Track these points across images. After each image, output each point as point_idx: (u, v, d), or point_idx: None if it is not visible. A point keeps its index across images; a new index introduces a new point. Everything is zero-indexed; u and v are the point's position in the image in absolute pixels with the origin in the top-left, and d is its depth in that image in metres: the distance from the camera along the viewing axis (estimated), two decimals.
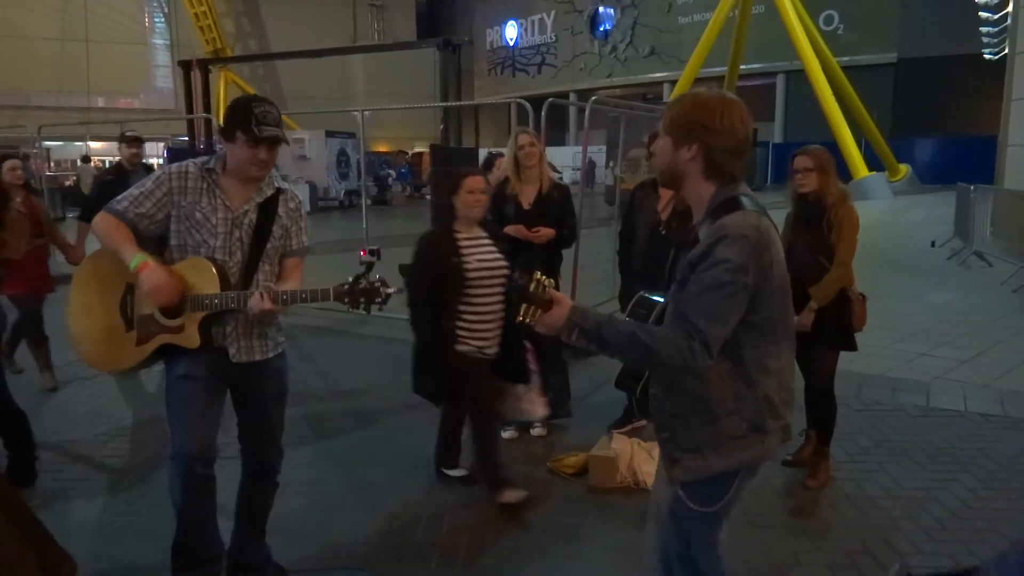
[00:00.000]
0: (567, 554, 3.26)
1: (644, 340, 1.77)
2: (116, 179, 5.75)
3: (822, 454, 3.93)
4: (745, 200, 1.84)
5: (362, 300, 2.45)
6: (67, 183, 24.69)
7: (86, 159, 24.69)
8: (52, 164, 29.39)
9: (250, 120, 2.51)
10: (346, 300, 2.45)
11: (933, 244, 12.44)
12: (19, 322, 5.51)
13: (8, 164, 5.44)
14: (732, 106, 1.84)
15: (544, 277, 1.85)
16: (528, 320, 1.85)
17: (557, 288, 2.39)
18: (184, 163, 2.65)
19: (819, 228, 3.73)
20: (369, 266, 2.52)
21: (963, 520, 3.52)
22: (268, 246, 2.66)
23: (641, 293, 2.19)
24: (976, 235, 11.31)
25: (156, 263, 2.50)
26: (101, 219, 2.58)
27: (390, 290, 2.46)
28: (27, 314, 5.48)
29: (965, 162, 23.45)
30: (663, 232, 4.04)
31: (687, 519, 1.98)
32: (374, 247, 2.67)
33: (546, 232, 4.32)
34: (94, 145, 32.09)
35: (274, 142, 2.57)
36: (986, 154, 24.15)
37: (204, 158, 2.69)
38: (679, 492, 1.95)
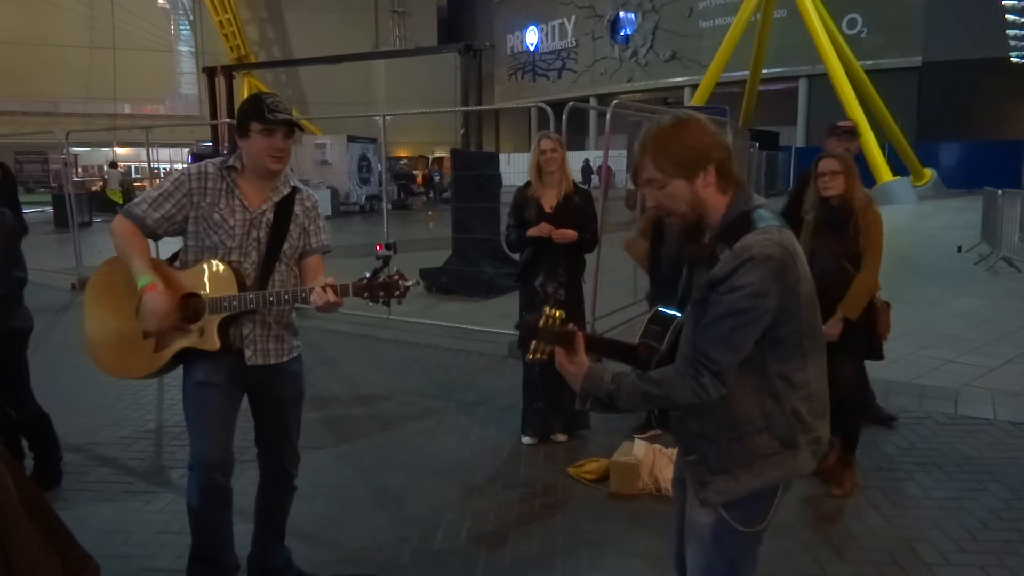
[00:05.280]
0: (589, 561, 3.22)
1: (656, 394, 1.78)
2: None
3: (847, 462, 3.86)
4: (764, 212, 1.79)
5: (381, 294, 2.43)
6: (93, 188, 25.18)
7: (113, 164, 25.11)
8: (80, 169, 29.97)
9: (262, 110, 2.52)
10: (365, 295, 2.44)
11: (960, 249, 12.24)
12: None
13: None
14: (698, 118, 1.85)
15: (555, 311, 1.84)
16: (537, 356, 1.84)
17: (580, 293, 2.33)
18: (203, 163, 2.65)
19: (844, 233, 3.67)
20: (386, 260, 2.51)
21: (993, 531, 3.45)
22: (285, 245, 2.66)
23: (656, 308, 2.14)
24: (1004, 240, 11.13)
25: (162, 289, 2.49)
26: (120, 223, 2.58)
27: (408, 283, 2.45)
28: None
29: (991, 166, 23.13)
30: None
31: (732, 541, 1.92)
32: (390, 241, 2.66)
33: (568, 232, 4.30)
34: (120, 151, 32.63)
35: (288, 126, 2.56)
36: (1012, 158, 23.83)
37: (222, 157, 2.69)
38: (723, 514, 1.89)
